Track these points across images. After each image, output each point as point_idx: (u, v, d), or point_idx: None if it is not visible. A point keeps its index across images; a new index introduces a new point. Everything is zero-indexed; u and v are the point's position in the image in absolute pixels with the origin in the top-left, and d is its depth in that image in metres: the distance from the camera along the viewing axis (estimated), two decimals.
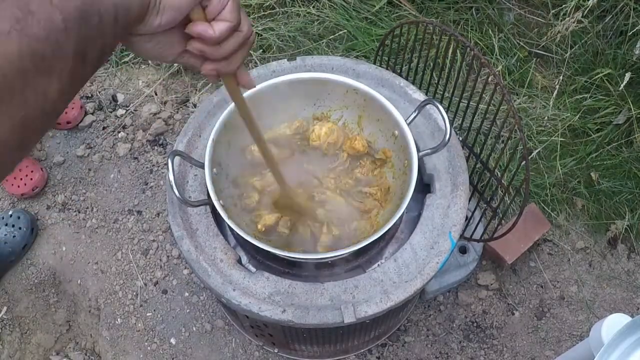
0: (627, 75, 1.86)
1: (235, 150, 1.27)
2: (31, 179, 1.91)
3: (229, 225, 1.08)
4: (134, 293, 1.81)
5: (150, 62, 2.21)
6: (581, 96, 2.00)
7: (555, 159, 1.91)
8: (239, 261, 1.17)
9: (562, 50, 2.09)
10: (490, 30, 2.12)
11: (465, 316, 1.76)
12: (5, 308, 1.79)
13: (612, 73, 1.97)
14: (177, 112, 2.13)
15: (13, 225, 1.83)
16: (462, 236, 1.67)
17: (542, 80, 2.09)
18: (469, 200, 1.27)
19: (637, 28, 1.92)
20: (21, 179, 1.91)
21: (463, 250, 1.72)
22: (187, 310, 1.77)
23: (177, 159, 1.21)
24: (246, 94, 1.04)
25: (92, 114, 2.13)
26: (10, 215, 1.85)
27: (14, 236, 1.81)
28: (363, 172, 1.26)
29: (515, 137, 1.89)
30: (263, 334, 1.57)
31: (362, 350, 1.69)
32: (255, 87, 0.79)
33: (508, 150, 1.85)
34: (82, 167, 2.03)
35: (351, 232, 1.20)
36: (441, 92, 1.71)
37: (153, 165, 2.02)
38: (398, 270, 1.14)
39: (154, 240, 1.88)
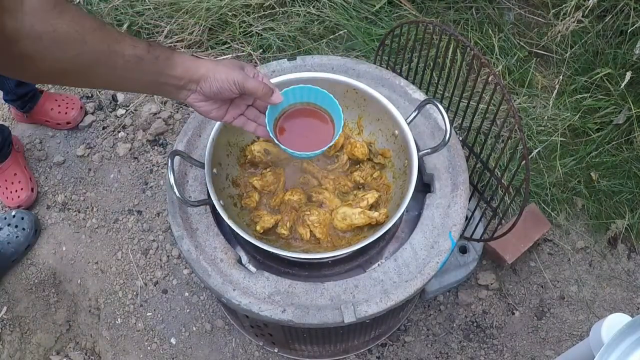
0: (628, 75, 1.86)
1: (235, 150, 1.27)
2: (19, 196, 1.91)
3: (229, 225, 1.08)
4: (134, 293, 1.81)
5: None
6: (581, 96, 2.00)
7: (555, 159, 1.91)
8: (239, 261, 1.17)
9: (562, 50, 2.09)
10: (490, 30, 2.12)
11: (465, 316, 1.76)
12: (5, 308, 1.79)
13: (612, 73, 1.97)
14: (177, 112, 2.13)
15: (16, 226, 1.83)
16: (462, 236, 1.67)
17: (542, 80, 2.09)
18: (469, 200, 1.27)
19: (636, 25, 1.92)
20: (11, 192, 1.91)
21: (463, 250, 1.72)
22: (187, 310, 1.77)
23: (177, 158, 1.21)
24: None
25: (92, 114, 2.13)
26: (14, 216, 1.85)
27: (17, 236, 1.81)
28: (362, 175, 1.26)
29: (515, 137, 1.89)
30: (263, 334, 1.57)
31: (362, 350, 1.69)
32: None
33: (508, 150, 1.85)
34: (82, 167, 2.03)
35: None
36: (441, 92, 1.71)
37: (153, 165, 2.02)
38: (398, 270, 1.14)
39: (154, 240, 1.88)
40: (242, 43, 2.16)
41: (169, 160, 1.09)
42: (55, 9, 0.71)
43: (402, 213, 1.11)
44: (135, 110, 2.14)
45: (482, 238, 1.66)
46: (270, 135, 1.03)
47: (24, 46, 0.70)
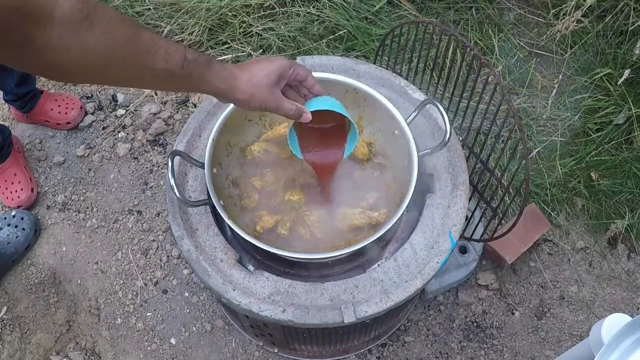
0: (626, 72, 1.86)
1: (235, 150, 1.27)
2: (19, 196, 1.91)
3: (229, 225, 1.08)
4: (134, 293, 1.81)
5: None
6: (581, 96, 2.00)
7: (555, 159, 1.91)
8: (239, 261, 1.17)
9: (562, 50, 2.09)
10: (490, 30, 2.12)
11: (465, 316, 1.76)
12: (5, 308, 1.79)
13: (612, 73, 1.97)
14: (177, 112, 2.13)
15: (16, 226, 1.83)
16: (462, 236, 1.67)
17: (542, 80, 2.09)
18: (469, 200, 1.27)
19: (636, 24, 1.92)
20: (11, 192, 1.91)
21: (463, 250, 1.72)
22: (187, 310, 1.77)
23: (177, 159, 1.21)
24: None
25: (92, 114, 2.13)
26: (14, 216, 1.85)
27: (17, 237, 1.81)
28: (362, 175, 1.26)
29: (515, 137, 1.88)
30: (263, 334, 1.57)
31: (362, 350, 1.69)
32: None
33: (508, 150, 1.85)
34: (82, 167, 2.03)
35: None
36: (441, 92, 1.71)
37: (153, 165, 2.02)
38: (398, 270, 1.14)
39: (154, 240, 1.88)
40: (242, 43, 2.16)
41: (169, 161, 1.09)
42: (86, 20, 0.69)
43: (402, 213, 1.11)
44: (135, 110, 2.14)
45: (482, 238, 1.66)
46: (292, 149, 1.14)
47: (52, 57, 0.68)
